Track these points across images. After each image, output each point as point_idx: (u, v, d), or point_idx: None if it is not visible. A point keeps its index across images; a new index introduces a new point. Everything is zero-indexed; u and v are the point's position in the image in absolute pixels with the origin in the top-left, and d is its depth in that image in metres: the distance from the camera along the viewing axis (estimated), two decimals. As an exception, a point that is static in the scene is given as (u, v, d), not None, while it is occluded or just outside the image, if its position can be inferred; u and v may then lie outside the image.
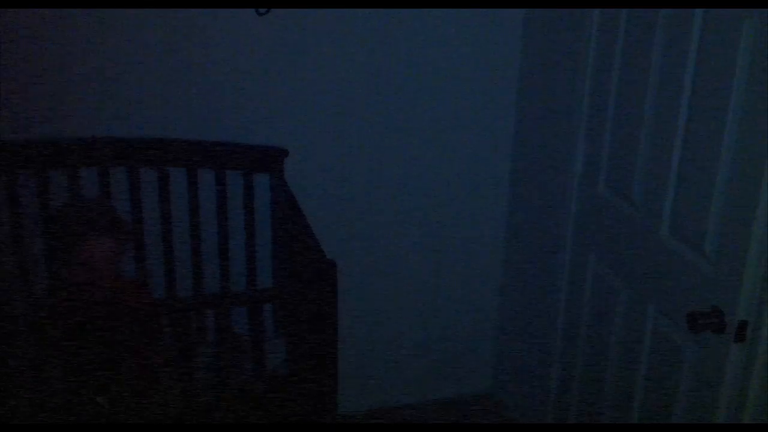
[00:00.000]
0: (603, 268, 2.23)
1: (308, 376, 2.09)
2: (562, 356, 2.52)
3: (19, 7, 2.18)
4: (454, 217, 2.82)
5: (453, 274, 2.91)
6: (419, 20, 2.52)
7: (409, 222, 2.78)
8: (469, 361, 3.06)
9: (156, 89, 2.38)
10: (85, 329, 1.84)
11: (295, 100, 2.51)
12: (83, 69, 2.31)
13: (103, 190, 2.37)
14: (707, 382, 1.74)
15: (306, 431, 2.13)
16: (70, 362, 1.86)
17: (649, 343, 2.00)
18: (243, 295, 2.45)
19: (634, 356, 2.06)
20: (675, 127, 1.83)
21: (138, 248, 2.45)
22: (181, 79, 2.39)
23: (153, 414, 1.99)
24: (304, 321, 2.05)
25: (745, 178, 1.59)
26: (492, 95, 2.69)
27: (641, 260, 2.02)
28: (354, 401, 2.86)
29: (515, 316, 2.88)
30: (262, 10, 2.36)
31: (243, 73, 2.44)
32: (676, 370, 1.87)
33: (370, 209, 2.72)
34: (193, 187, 2.44)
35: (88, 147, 2.33)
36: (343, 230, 2.67)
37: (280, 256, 2.53)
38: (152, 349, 2.03)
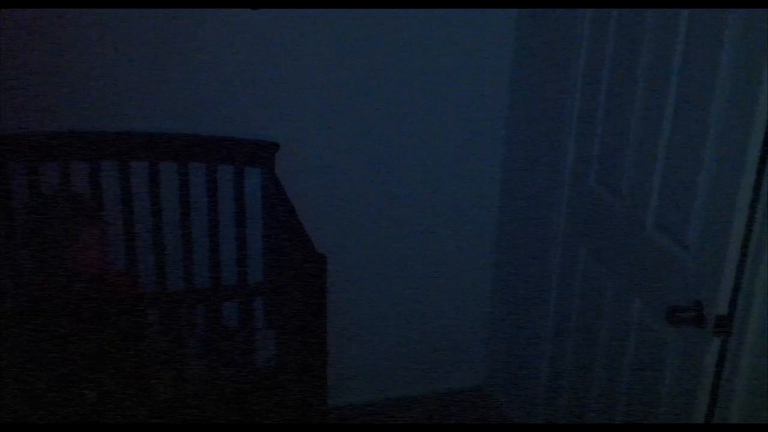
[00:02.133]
0: (593, 262, 2.27)
1: (297, 370, 2.11)
2: (553, 350, 2.56)
3: (19, 7, 2.21)
4: (445, 211, 2.86)
5: (444, 268, 2.94)
6: (412, 16, 2.55)
7: (400, 216, 2.81)
8: (462, 355, 3.10)
9: (147, 83, 2.41)
10: (73, 317, 1.86)
11: (287, 95, 2.54)
12: (74, 64, 2.34)
13: (93, 183, 2.39)
14: (689, 375, 1.78)
15: (306, 431, 2.15)
16: (59, 350, 1.88)
17: (635, 337, 2.04)
18: (233, 289, 2.48)
19: (621, 350, 2.10)
20: (661, 123, 1.87)
21: (129, 242, 2.47)
22: (172, 73, 2.42)
23: (141, 408, 2.01)
24: (294, 314, 2.07)
25: (725, 174, 1.64)
26: (484, 92, 2.73)
27: (628, 253, 2.06)
28: (345, 395, 2.90)
29: (507, 310, 2.91)
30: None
31: (235, 67, 2.47)
32: (660, 364, 1.91)
33: (361, 204, 2.75)
34: (184, 181, 2.47)
35: (79, 141, 2.36)
36: (334, 224, 2.70)
37: (270, 250, 2.56)
38: (139, 340, 2.05)
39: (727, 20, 1.61)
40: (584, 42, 2.23)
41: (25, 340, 1.86)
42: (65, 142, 2.35)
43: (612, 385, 2.16)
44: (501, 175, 2.85)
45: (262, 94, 2.52)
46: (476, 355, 3.11)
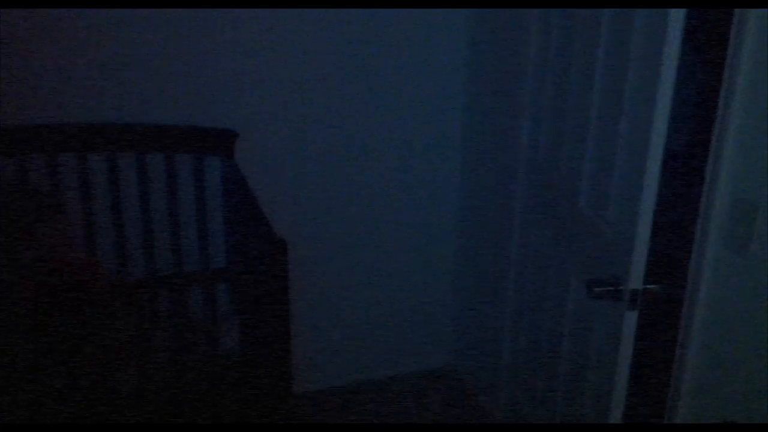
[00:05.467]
0: (542, 240, 2.38)
1: (261, 355, 2.16)
2: (512, 327, 2.65)
3: (19, 7, 2.25)
4: (407, 197, 2.95)
5: (408, 251, 3.04)
6: (372, 12, 2.64)
7: (361, 201, 2.89)
8: (428, 336, 3.20)
9: (103, 74, 2.45)
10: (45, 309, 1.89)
11: (246, 83, 2.60)
12: (28, 57, 2.38)
13: (52, 176, 2.42)
14: (612, 348, 1.88)
15: (304, 431, 2.19)
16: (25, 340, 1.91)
17: (572, 312, 2.17)
18: (196, 275, 2.52)
19: (561, 325, 2.23)
20: (589, 112, 2.00)
21: (89, 233, 2.49)
22: (128, 62, 2.47)
23: (109, 395, 2.05)
24: (256, 300, 2.12)
25: (635, 156, 1.75)
26: (441, 82, 2.84)
27: (566, 231, 2.19)
28: (315, 379, 2.96)
29: (471, 290, 3.01)
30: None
31: (192, 55, 2.52)
32: (590, 337, 2.04)
33: (322, 189, 2.83)
34: (143, 171, 2.51)
35: (36, 134, 2.39)
36: (295, 210, 2.77)
37: (232, 237, 2.61)
38: (109, 328, 2.08)
39: (633, 20, 1.74)
40: (532, 44, 2.35)
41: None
42: (21, 135, 2.38)
43: (555, 359, 2.29)
44: (462, 160, 2.93)
45: (221, 83, 2.58)
46: (442, 335, 3.21)
